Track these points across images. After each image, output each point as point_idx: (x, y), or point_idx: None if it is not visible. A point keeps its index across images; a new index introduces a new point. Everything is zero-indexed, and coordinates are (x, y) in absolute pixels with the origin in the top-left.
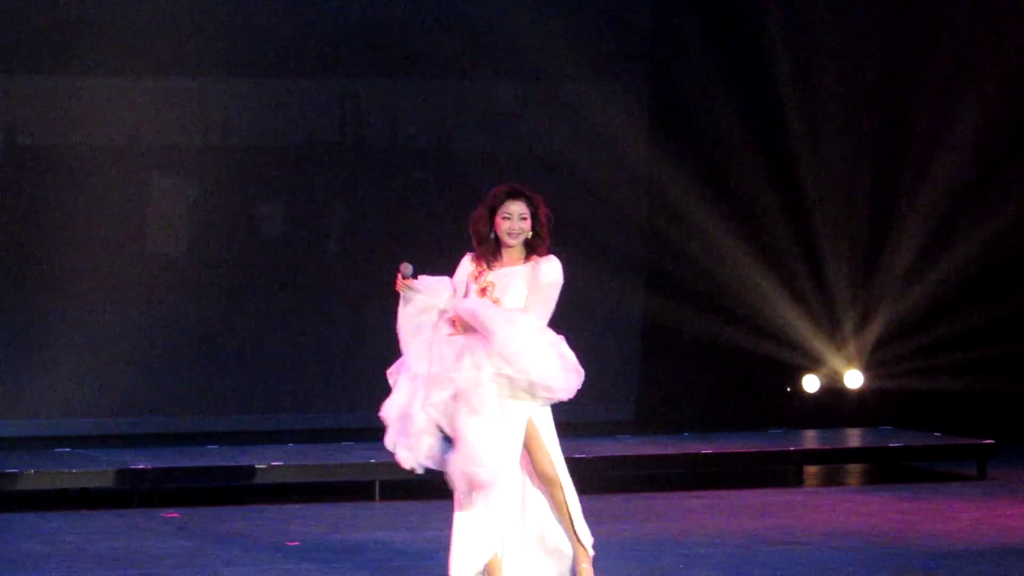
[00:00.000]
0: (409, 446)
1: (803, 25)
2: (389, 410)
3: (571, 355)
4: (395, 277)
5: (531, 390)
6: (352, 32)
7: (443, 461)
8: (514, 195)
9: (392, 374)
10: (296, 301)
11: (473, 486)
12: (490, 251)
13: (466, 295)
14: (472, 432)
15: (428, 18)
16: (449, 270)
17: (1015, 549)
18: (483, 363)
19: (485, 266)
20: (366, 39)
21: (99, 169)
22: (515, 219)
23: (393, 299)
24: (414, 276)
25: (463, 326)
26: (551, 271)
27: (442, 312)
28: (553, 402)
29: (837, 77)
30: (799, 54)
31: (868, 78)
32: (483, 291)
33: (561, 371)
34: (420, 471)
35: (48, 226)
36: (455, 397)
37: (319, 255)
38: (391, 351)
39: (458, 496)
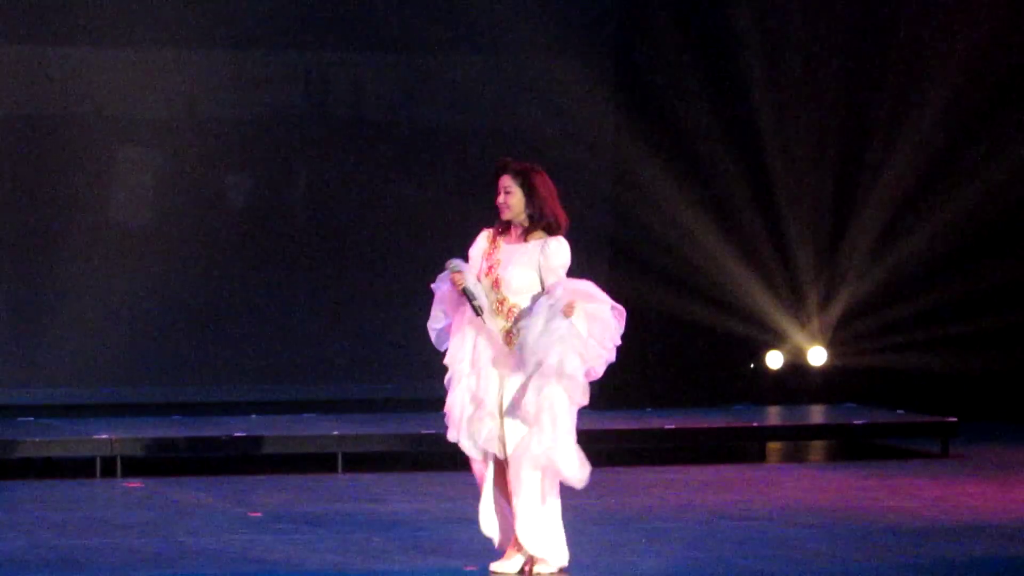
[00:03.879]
0: (471, 434)
1: (770, 2)
2: (452, 407)
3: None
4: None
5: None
6: (318, 4)
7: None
8: (500, 169)
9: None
10: (261, 273)
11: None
12: (501, 227)
13: (479, 272)
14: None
15: None
16: (415, 240)
17: (976, 526)
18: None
19: (500, 242)
20: (332, 12)
21: (64, 139)
22: (501, 193)
23: (359, 269)
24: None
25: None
26: (557, 252)
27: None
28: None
29: (803, 54)
30: (765, 31)
31: (834, 55)
32: (490, 268)
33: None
34: (479, 457)
35: (11, 196)
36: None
37: (285, 227)
38: (357, 322)
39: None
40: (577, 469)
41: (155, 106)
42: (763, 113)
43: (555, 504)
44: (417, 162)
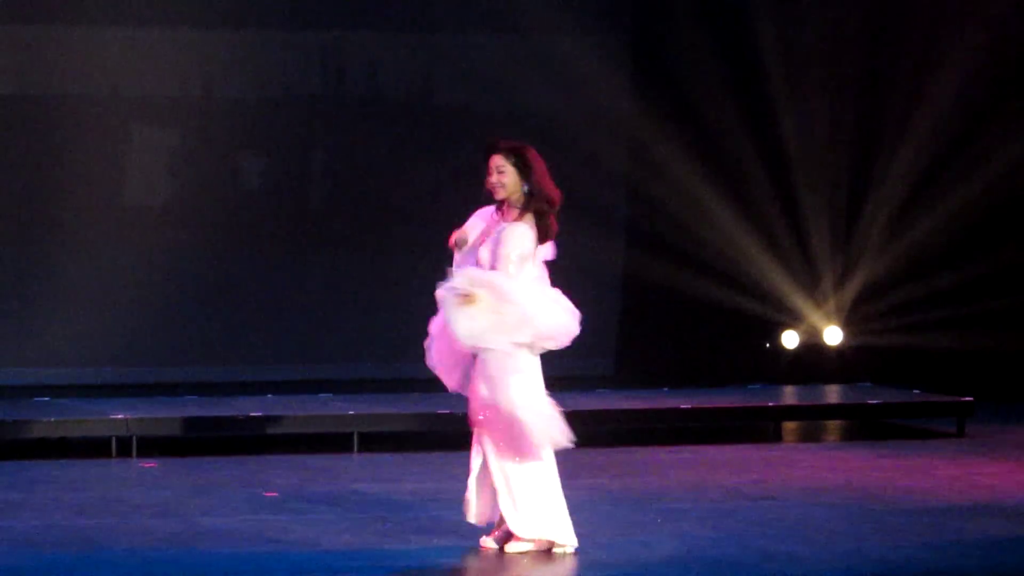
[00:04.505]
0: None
1: None
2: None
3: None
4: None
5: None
6: None
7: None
8: (490, 149)
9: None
10: (275, 253)
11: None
12: (498, 205)
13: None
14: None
15: None
16: (431, 221)
17: (992, 506)
18: None
19: (498, 219)
20: None
21: (79, 119)
22: (493, 173)
23: (375, 249)
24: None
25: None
26: (511, 239)
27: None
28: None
29: (819, 33)
30: (782, 11)
31: (850, 34)
32: (482, 241)
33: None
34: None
35: (26, 175)
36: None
37: (300, 207)
38: (373, 302)
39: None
40: (543, 433)
41: (171, 86)
42: (779, 93)
43: (529, 476)
44: (433, 142)
